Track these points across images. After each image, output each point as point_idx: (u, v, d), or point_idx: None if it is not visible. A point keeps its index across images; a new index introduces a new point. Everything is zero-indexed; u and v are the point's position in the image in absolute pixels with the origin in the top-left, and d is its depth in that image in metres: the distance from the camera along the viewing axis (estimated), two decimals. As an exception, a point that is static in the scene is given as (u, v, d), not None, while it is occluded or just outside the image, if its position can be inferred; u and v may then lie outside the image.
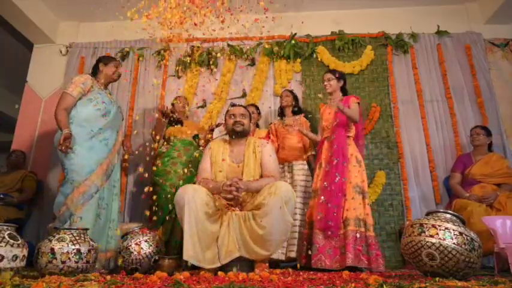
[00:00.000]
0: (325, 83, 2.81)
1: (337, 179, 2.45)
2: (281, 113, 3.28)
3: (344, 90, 2.83)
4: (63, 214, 2.29)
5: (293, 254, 2.64)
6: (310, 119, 3.31)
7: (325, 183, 2.50)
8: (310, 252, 2.39)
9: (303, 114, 3.19)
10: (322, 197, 2.46)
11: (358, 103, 2.68)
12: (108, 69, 2.69)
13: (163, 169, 2.92)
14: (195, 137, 3.18)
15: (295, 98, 3.27)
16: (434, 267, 1.49)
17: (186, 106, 3.37)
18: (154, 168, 3.01)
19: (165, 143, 3.11)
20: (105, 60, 2.73)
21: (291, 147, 3.01)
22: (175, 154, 2.95)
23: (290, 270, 2.32)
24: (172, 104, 3.27)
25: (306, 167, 2.96)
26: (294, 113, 3.20)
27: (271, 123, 3.38)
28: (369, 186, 3.29)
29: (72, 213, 2.28)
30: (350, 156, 2.55)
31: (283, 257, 2.67)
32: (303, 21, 3.87)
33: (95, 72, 2.70)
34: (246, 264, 2.01)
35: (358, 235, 2.33)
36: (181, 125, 3.18)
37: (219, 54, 3.80)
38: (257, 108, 3.32)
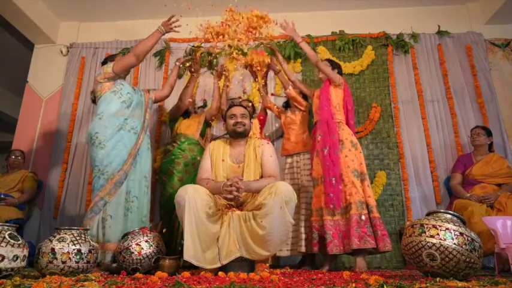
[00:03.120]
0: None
1: (325, 152, 2.51)
2: (286, 106, 3.26)
3: None
4: (97, 203, 2.31)
5: (303, 249, 2.63)
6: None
7: (327, 163, 2.52)
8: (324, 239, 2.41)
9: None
10: (327, 177, 2.48)
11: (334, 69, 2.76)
12: None
13: (167, 168, 2.94)
14: (202, 134, 3.16)
15: (301, 92, 3.24)
16: (435, 268, 1.49)
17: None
18: (157, 163, 3.02)
19: (172, 141, 3.11)
20: (111, 58, 2.73)
21: (296, 138, 3.00)
22: (180, 155, 2.96)
23: (290, 270, 2.32)
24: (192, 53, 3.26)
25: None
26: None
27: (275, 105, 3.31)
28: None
29: (106, 201, 2.31)
30: (345, 141, 2.55)
31: (288, 254, 2.71)
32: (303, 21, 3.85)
33: None
34: (247, 264, 2.01)
35: (362, 217, 2.35)
36: (188, 116, 3.16)
37: (219, 55, 3.80)
38: (250, 101, 3.34)
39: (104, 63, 2.72)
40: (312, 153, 2.74)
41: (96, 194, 2.33)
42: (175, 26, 2.65)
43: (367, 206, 2.41)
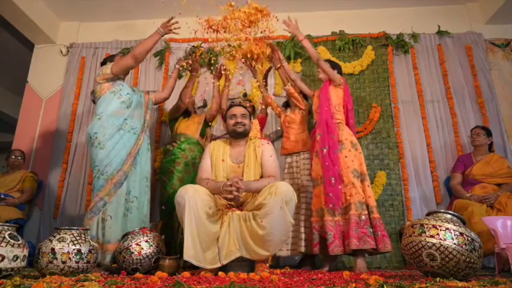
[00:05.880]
0: (319, 69, 2.84)
1: (324, 152, 2.51)
2: (286, 105, 3.24)
3: None
4: (97, 204, 2.31)
5: (303, 249, 2.63)
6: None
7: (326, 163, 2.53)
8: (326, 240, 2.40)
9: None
10: (327, 177, 2.48)
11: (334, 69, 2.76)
12: None
13: (167, 168, 2.94)
14: (202, 134, 3.15)
15: (301, 92, 3.23)
16: (435, 268, 1.49)
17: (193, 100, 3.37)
18: (157, 163, 3.01)
19: (172, 141, 3.12)
20: (110, 58, 2.73)
21: (296, 137, 2.98)
22: (180, 154, 2.95)
23: (290, 270, 2.32)
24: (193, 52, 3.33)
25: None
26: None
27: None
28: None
29: (106, 202, 2.31)
30: (345, 141, 2.55)
31: (288, 253, 2.71)
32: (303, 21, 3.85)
33: None
34: (247, 264, 2.01)
35: (362, 218, 2.35)
36: (188, 116, 3.17)
37: (219, 54, 3.80)
38: (250, 101, 3.37)
39: (103, 63, 2.73)
40: (311, 153, 2.74)
41: (96, 194, 2.33)
42: (174, 28, 2.65)
43: (367, 206, 2.41)
